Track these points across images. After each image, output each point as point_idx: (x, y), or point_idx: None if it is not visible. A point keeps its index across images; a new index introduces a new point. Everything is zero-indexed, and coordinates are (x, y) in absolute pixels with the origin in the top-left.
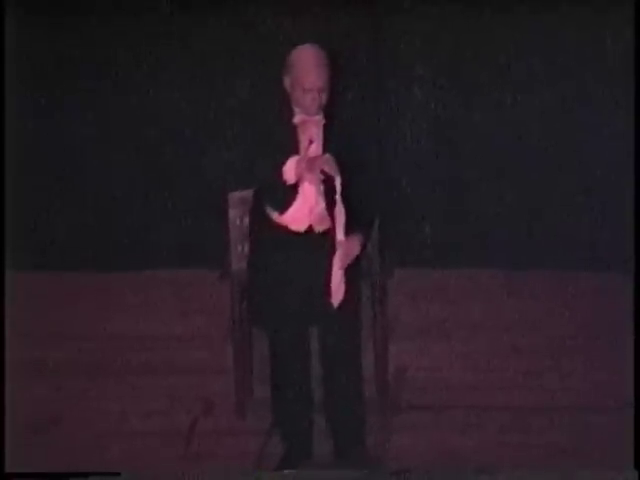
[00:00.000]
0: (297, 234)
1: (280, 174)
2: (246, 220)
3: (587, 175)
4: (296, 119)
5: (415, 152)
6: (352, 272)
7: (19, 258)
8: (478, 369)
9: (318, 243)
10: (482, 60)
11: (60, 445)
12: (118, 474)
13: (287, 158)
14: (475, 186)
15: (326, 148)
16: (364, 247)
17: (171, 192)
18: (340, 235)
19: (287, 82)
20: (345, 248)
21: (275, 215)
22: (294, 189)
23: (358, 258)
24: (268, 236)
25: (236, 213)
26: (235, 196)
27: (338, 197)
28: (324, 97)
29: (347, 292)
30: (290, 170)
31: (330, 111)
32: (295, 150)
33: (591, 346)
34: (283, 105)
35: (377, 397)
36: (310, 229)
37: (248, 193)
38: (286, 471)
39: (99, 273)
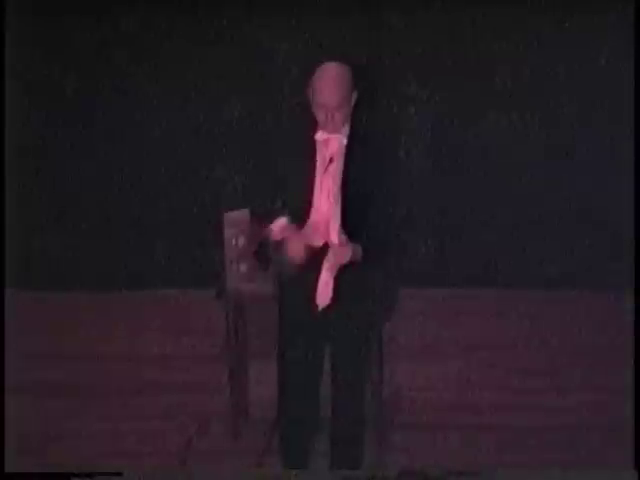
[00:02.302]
0: (315, 250)
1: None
2: (241, 240)
3: (585, 195)
4: (318, 135)
5: (413, 169)
6: (362, 287)
7: (14, 278)
8: (475, 388)
9: None
10: (482, 71)
11: (54, 463)
12: (120, 474)
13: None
14: (471, 206)
15: (347, 168)
16: (357, 258)
17: (167, 213)
18: (334, 238)
19: (310, 97)
20: (335, 251)
21: (294, 230)
22: (311, 205)
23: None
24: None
25: (231, 233)
26: (230, 216)
27: (332, 199)
28: (339, 116)
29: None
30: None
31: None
32: (302, 167)
33: (589, 364)
34: (284, 122)
35: (373, 416)
36: (327, 245)
37: (243, 213)
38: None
39: (95, 293)
